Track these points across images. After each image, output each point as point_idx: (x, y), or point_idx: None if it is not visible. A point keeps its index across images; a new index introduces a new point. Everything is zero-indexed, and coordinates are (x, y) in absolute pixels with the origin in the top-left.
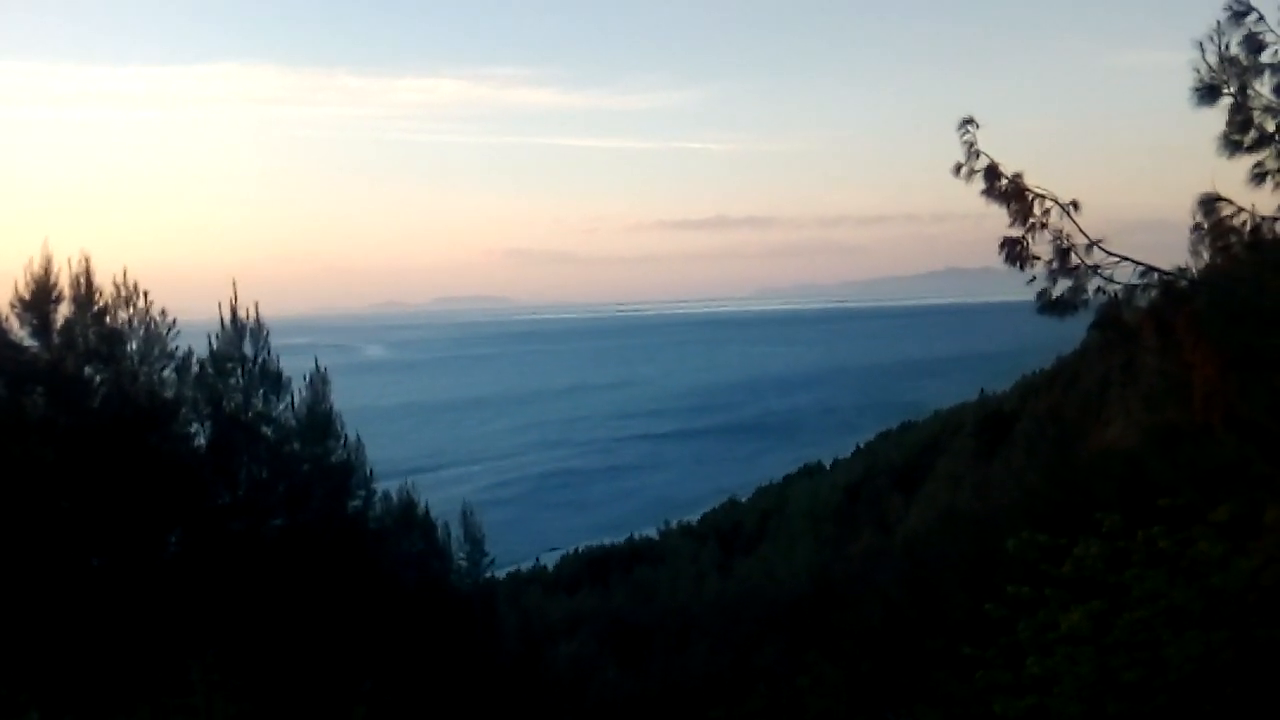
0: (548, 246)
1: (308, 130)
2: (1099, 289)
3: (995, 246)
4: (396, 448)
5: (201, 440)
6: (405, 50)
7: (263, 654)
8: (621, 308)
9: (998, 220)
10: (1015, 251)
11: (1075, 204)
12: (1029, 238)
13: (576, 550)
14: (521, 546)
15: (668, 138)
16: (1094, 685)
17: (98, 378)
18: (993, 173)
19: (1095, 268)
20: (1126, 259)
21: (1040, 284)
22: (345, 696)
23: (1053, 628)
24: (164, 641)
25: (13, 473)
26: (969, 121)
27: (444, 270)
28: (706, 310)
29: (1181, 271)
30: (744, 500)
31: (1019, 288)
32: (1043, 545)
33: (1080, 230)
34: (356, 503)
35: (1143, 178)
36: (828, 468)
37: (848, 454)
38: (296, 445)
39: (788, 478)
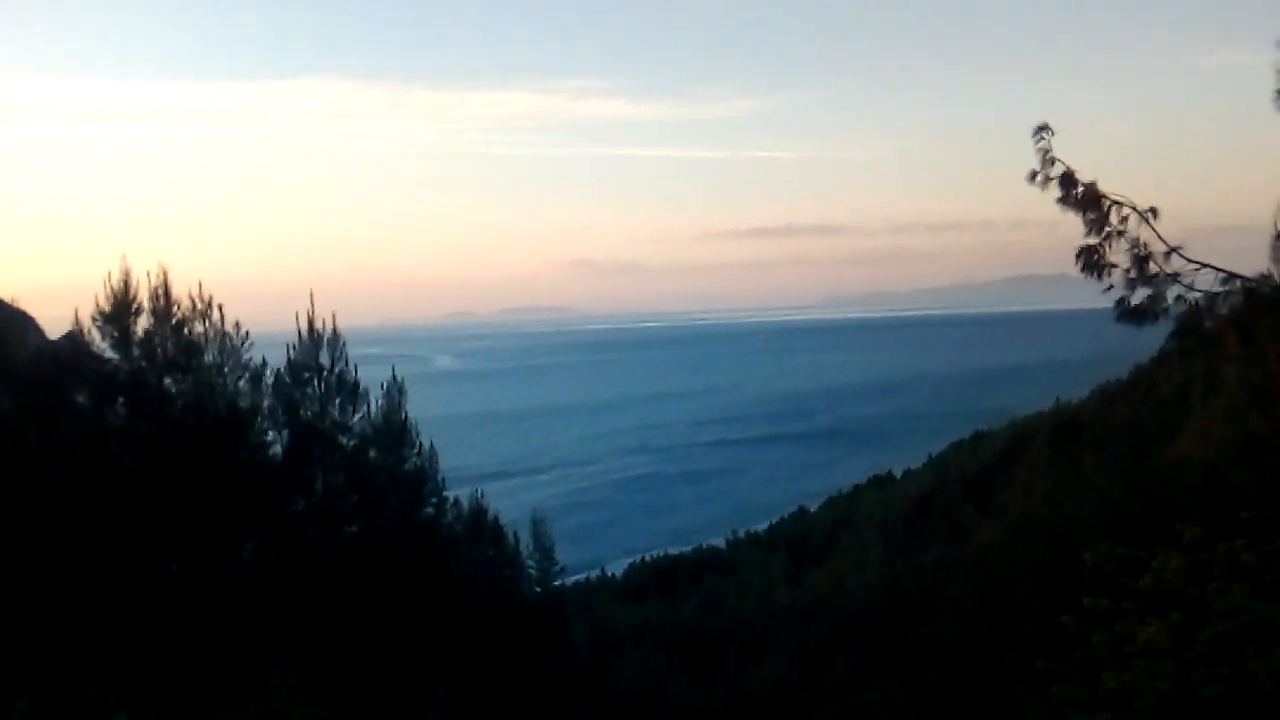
0: (614, 256)
1: (382, 144)
2: (1179, 297)
3: (1072, 253)
4: (470, 456)
5: (278, 449)
6: (479, 64)
7: (340, 659)
8: (688, 317)
9: (1074, 226)
10: (1092, 260)
11: (1153, 210)
12: (1106, 245)
13: (643, 559)
14: (602, 551)
15: (736, 146)
16: (1173, 700)
17: (176, 388)
18: (1068, 180)
19: (1174, 275)
20: (1207, 266)
21: (1118, 292)
22: (419, 702)
23: (1130, 641)
24: (244, 646)
25: (95, 481)
26: (1044, 128)
27: (511, 281)
28: (775, 319)
29: (1265, 278)
30: (813, 510)
31: (1096, 295)
32: (1121, 557)
33: (1159, 237)
34: (429, 510)
35: (1224, 182)
36: (898, 477)
37: (921, 463)
38: (372, 454)
39: (858, 487)
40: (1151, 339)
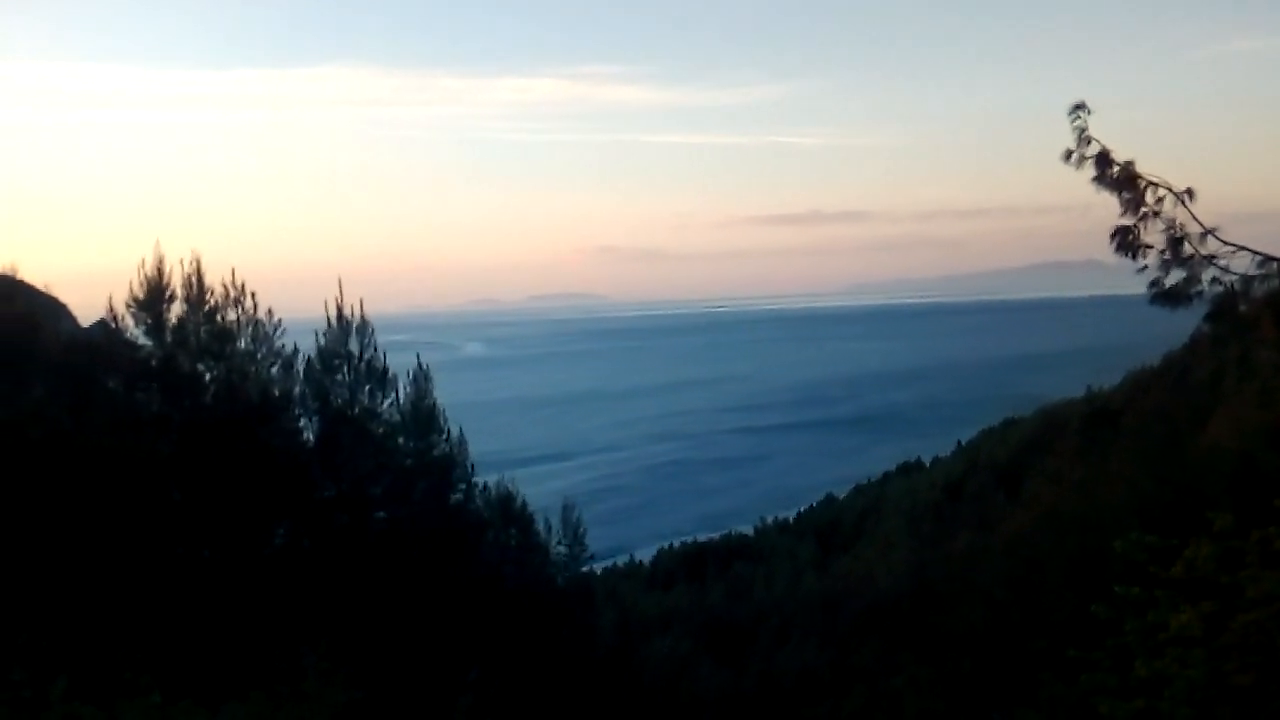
0: (638, 243)
1: (408, 131)
2: (1214, 279)
3: (1099, 239)
4: (499, 442)
5: (309, 435)
6: (503, 51)
7: (371, 644)
8: (713, 303)
9: (1103, 212)
10: (1127, 240)
11: (1190, 192)
12: (1141, 226)
13: (671, 546)
14: (631, 537)
15: (761, 132)
16: (1205, 688)
17: (209, 375)
18: (1104, 159)
19: (1210, 257)
20: (1243, 248)
21: (1152, 273)
22: (451, 685)
23: (1162, 629)
24: (276, 629)
25: (130, 466)
26: (1080, 107)
27: (536, 268)
28: (800, 306)
29: None
30: (841, 498)
31: (1123, 281)
32: (1152, 546)
33: (1195, 219)
34: (458, 496)
35: (1260, 166)
36: (927, 465)
37: (950, 450)
38: (401, 440)
39: (886, 475)
40: (1182, 325)
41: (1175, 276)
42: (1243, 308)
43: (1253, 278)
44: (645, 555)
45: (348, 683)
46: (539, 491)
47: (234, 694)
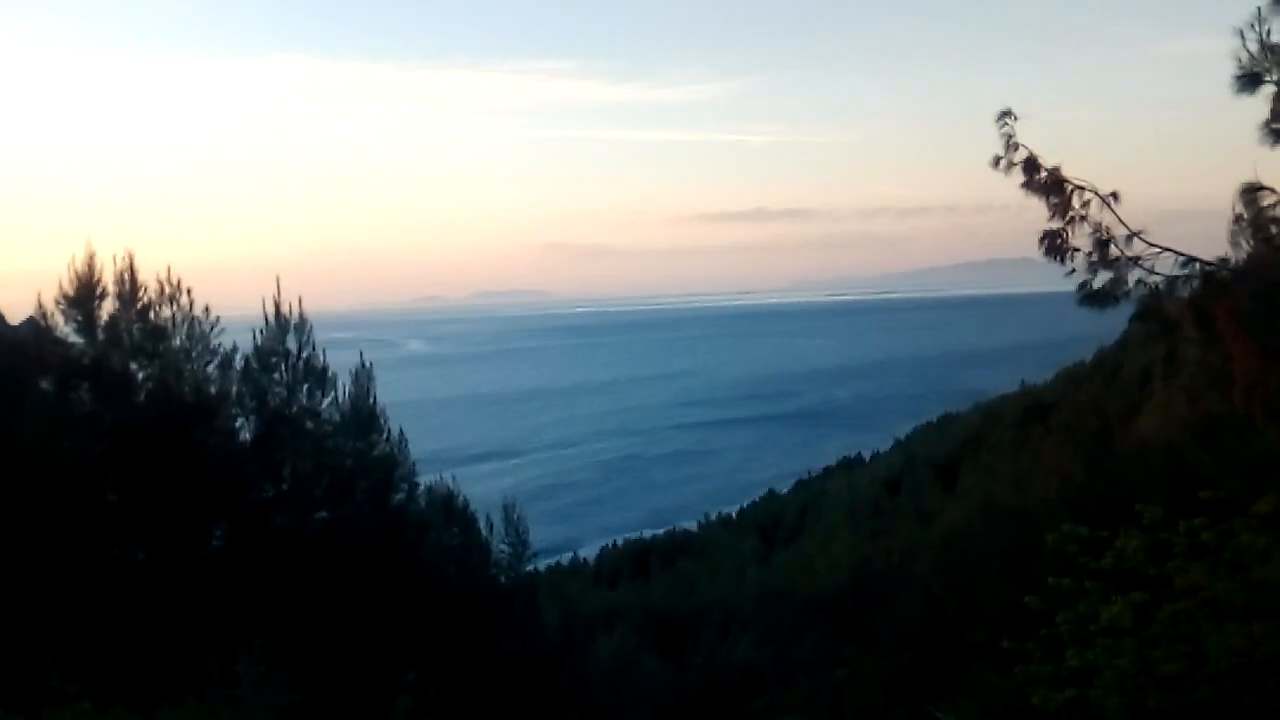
0: (587, 240)
1: (349, 125)
2: (1139, 280)
3: (1033, 237)
4: (445, 440)
5: (246, 435)
6: (448, 44)
7: (308, 646)
8: (661, 300)
9: (1039, 211)
10: (1055, 244)
11: (1115, 195)
12: (1069, 230)
13: (615, 543)
14: (582, 532)
15: (707, 130)
16: (1135, 677)
17: (142, 373)
18: (1032, 165)
19: (1136, 259)
20: (1167, 250)
21: (1080, 276)
22: (389, 687)
23: (1093, 620)
24: (210, 634)
25: (61, 467)
26: (1007, 114)
27: (483, 264)
28: (747, 303)
29: (1223, 262)
30: (783, 493)
31: (1060, 279)
32: (1083, 538)
33: (1120, 221)
34: (399, 496)
35: (1184, 167)
36: (867, 460)
37: (889, 446)
38: (340, 440)
39: (827, 470)
40: (1116, 322)
41: (1102, 278)
42: (1168, 307)
43: (1176, 278)
44: (593, 551)
45: (285, 686)
46: (487, 489)
47: (168, 699)
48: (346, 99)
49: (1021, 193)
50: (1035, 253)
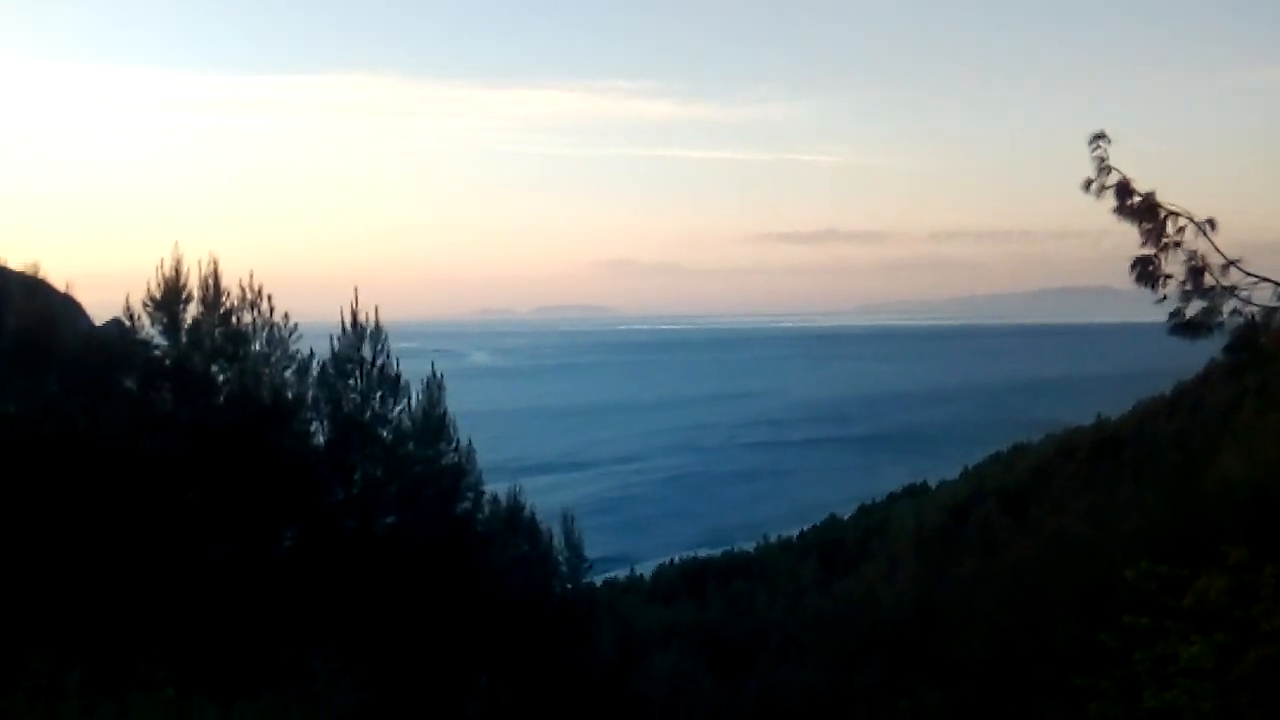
0: (653, 258)
1: (428, 141)
2: (1235, 310)
3: (1114, 265)
4: (507, 451)
5: (320, 439)
6: (525, 62)
7: (380, 647)
8: (727, 320)
9: (1117, 239)
10: (1147, 271)
11: (1211, 222)
12: (1161, 257)
13: (672, 561)
14: (644, 548)
15: (779, 150)
16: None
17: (222, 376)
18: (1124, 189)
19: (1231, 288)
20: (1265, 279)
21: (1172, 304)
22: (458, 692)
23: (1172, 660)
24: (288, 631)
25: (140, 465)
26: (1100, 136)
27: (547, 279)
28: (813, 324)
29: None
30: (845, 518)
31: (1137, 308)
32: (1163, 576)
33: (1216, 249)
34: (466, 505)
35: (1273, 199)
36: (933, 488)
37: (956, 474)
38: (411, 447)
39: (892, 496)
40: (1194, 357)
41: (1195, 307)
42: (1263, 339)
43: (1274, 309)
44: (650, 568)
45: (356, 685)
46: (548, 501)
47: (245, 692)
48: (423, 115)
49: (1101, 220)
50: (1113, 281)
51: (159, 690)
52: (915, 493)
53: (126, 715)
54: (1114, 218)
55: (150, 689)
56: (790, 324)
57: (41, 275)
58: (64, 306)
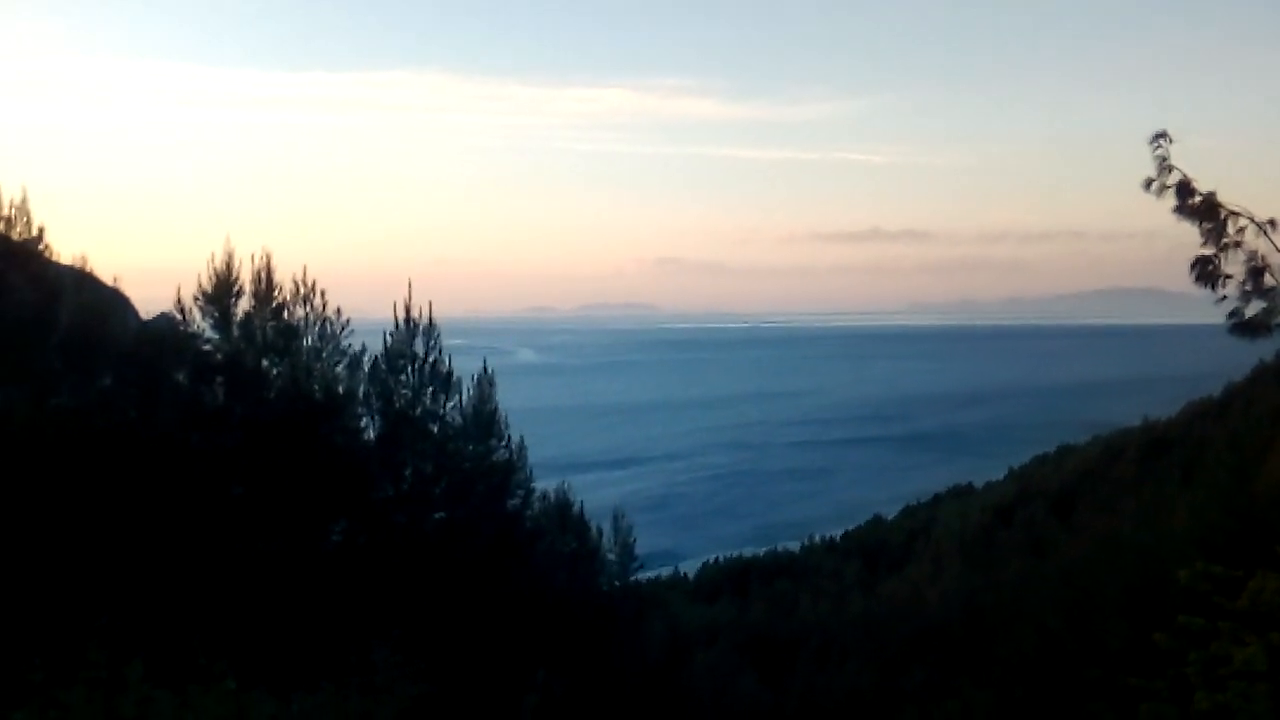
0: (699, 256)
1: (477, 138)
2: None
3: (1163, 266)
4: (554, 448)
5: (371, 434)
6: (574, 60)
7: (437, 641)
8: (773, 318)
9: (1169, 240)
10: (1207, 270)
11: (1273, 222)
12: (1221, 257)
13: (716, 560)
14: (694, 545)
15: (826, 149)
16: None
17: (274, 370)
18: (1185, 189)
19: None
20: None
21: (1231, 304)
22: (517, 685)
23: (1225, 662)
24: (346, 624)
25: (192, 459)
26: (1161, 135)
27: (593, 277)
28: (860, 324)
29: None
30: (890, 518)
31: (1186, 309)
32: (1217, 577)
33: (1277, 249)
34: (515, 501)
35: None
36: (978, 489)
37: (1002, 475)
38: (461, 443)
39: (937, 497)
40: (1243, 358)
41: (1255, 307)
42: None
43: None
44: (695, 566)
45: (418, 677)
46: (596, 498)
47: (304, 685)
48: (473, 112)
49: (1155, 218)
50: (1162, 282)
51: (218, 683)
52: (960, 494)
53: (185, 708)
54: (1172, 218)
55: (209, 682)
56: (835, 323)
57: (90, 269)
58: (113, 300)
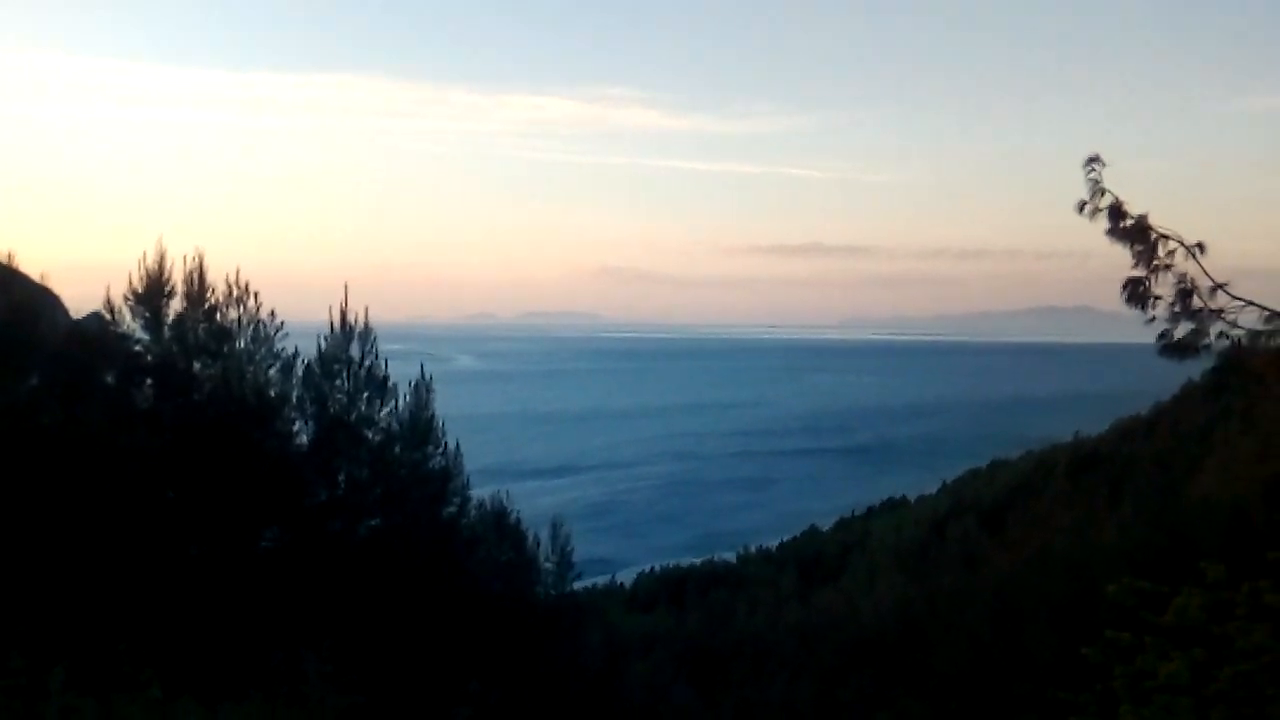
0: (641, 266)
1: (417, 143)
2: (1222, 333)
3: (1094, 286)
4: (493, 456)
5: (304, 439)
6: (516, 68)
7: (368, 650)
8: (713, 329)
9: (1102, 260)
10: (1138, 292)
11: (1201, 246)
12: (1152, 279)
13: (652, 569)
14: (630, 554)
15: (770, 163)
16: None
17: (205, 373)
18: (1117, 212)
19: (1218, 311)
20: (1252, 303)
21: (1161, 326)
22: (448, 696)
23: (1150, 676)
24: (275, 633)
25: (120, 462)
26: (1095, 160)
27: (535, 285)
28: (798, 337)
29: None
30: (825, 530)
31: (1115, 328)
32: (1144, 591)
33: (1205, 273)
34: (451, 509)
35: (1268, 224)
36: (911, 502)
37: (935, 489)
38: (397, 449)
39: (871, 510)
40: (1171, 378)
41: (1184, 329)
42: (1249, 361)
43: (1260, 333)
44: (632, 575)
45: (349, 688)
46: (533, 506)
47: (232, 694)
48: (414, 116)
49: (1088, 240)
50: (1093, 301)
51: (143, 691)
52: (894, 506)
53: (109, 716)
54: (1105, 240)
55: (135, 690)
56: (774, 335)
57: (16, 265)
58: (40, 298)
